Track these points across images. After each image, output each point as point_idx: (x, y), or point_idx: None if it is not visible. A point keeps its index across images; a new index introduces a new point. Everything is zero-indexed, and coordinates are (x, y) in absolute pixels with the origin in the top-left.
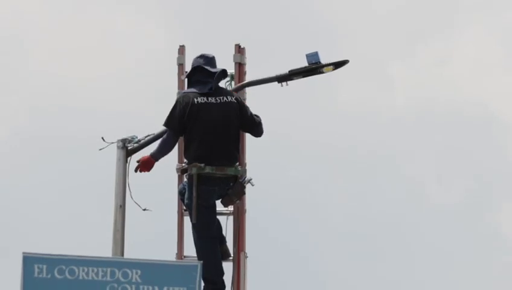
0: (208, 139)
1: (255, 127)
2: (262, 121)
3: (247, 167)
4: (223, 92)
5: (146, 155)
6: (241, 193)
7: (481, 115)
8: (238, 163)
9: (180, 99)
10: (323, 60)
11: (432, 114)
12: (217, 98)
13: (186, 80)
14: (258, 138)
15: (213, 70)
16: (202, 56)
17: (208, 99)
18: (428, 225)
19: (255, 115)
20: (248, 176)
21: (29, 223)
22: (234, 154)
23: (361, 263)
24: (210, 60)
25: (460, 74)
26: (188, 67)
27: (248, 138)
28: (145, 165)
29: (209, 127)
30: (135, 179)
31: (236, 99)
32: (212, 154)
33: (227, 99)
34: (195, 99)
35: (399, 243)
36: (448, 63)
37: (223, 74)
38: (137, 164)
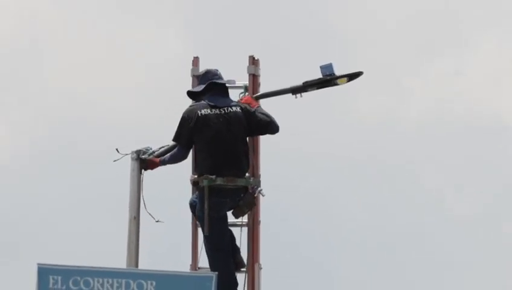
0: (214, 150)
1: (269, 127)
2: (274, 118)
3: (261, 178)
4: (229, 102)
5: (155, 159)
6: (252, 204)
7: (496, 126)
8: (248, 173)
9: (186, 114)
10: (338, 72)
11: (447, 125)
12: (221, 109)
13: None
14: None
15: (222, 81)
16: (210, 72)
17: (211, 110)
18: (446, 234)
19: (264, 114)
20: (259, 186)
21: (44, 235)
22: (243, 164)
23: (378, 273)
24: (219, 76)
25: (475, 85)
26: None
27: (263, 148)
28: (150, 165)
29: (214, 138)
30: (149, 190)
31: (240, 107)
32: (220, 165)
33: (232, 109)
34: (199, 112)
35: (418, 253)
36: (463, 74)
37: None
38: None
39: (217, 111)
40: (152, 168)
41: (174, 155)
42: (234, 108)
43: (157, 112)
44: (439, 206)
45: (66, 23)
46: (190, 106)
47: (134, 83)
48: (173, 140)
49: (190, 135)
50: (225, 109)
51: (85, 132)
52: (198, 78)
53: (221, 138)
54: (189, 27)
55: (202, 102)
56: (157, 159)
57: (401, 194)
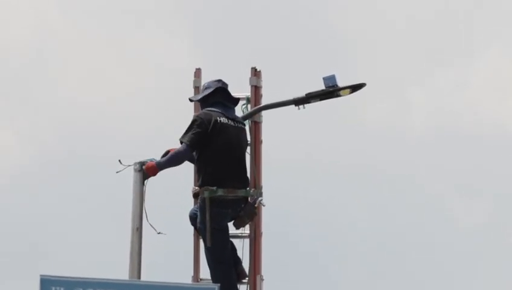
0: (227, 161)
1: None
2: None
3: (262, 189)
4: (238, 117)
5: (151, 162)
6: (253, 214)
7: (500, 136)
8: (250, 185)
9: (202, 115)
10: (342, 83)
11: (451, 135)
12: (235, 122)
13: (201, 97)
14: (274, 159)
15: (235, 96)
16: (220, 80)
17: (228, 121)
18: (450, 242)
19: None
20: (259, 197)
21: (47, 246)
22: (246, 176)
23: (382, 283)
24: (227, 86)
25: (479, 95)
26: None
27: (266, 158)
28: (150, 171)
29: (229, 148)
30: (152, 201)
31: (245, 125)
32: (225, 176)
33: (240, 125)
34: (219, 118)
35: (423, 262)
36: (468, 85)
37: (238, 101)
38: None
39: (232, 123)
40: (153, 174)
41: (177, 152)
42: (241, 124)
43: (160, 122)
44: (444, 214)
45: (75, 35)
46: (207, 110)
47: (137, 94)
48: (181, 138)
49: (204, 138)
50: (238, 123)
51: (91, 141)
52: (199, 89)
53: (232, 149)
54: (192, 39)
55: (216, 110)
56: (153, 163)
57: (405, 203)
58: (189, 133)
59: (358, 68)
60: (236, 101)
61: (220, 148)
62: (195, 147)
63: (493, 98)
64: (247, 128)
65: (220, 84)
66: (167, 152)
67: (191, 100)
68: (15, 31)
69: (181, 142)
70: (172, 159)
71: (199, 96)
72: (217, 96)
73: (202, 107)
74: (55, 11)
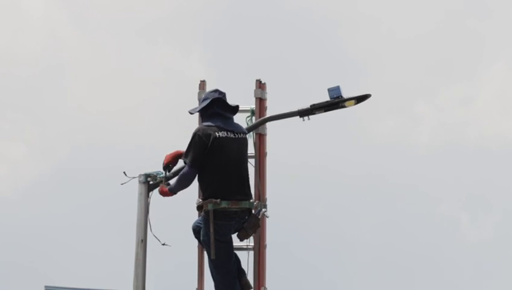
0: (229, 173)
1: None
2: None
3: (267, 201)
4: (238, 127)
5: (164, 188)
6: (256, 226)
7: (508, 150)
8: (254, 197)
9: (200, 132)
10: (345, 95)
11: (458, 149)
12: (235, 133)
13: (198, 110)
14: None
15: (232, 105)
16: (217, 90)
17: (228, 133)
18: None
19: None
20: (263, 208)
21: (51, 257)
22: (249, 188)
23: None
24: (224, 95)
25: (486, 110)
26: None
27: (273, 170)
28: (165, 195)
29: (230, 162)
30: (156, 212)
31: (246, 134)
32: (230, 189)
33: (242, 135)
34: (217, 133)
35: (432, 275)
36: (474, 99)
37: (237, 109)
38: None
39: (232, 135)
40: (169, 196)
41: (183, 177)
42: (243, 134)
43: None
44: (451, 229)
45: (88, 49)
46: (204, 125)
47: (143, 106)
48: (185, 159)
49: (204, 155)
50: (238, 134)
51: (93, 154)
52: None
53: (233, 163)
54: (197, 52)
55: (215, 123)
56: (166, 189)
57: (412, 216)
58: (191, 153)
59: (368, 83)
60: (234, 108)
61: (221, 162)
62: (198, 166)
63: (500, 112)
64: (250, 140)
65: (216, 95)
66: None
67: (190, 113)
68: (25, 42)
69: (184, 162)
70: (181, 183)
71: (197, 109)
72: (214, 108)
73: (202, 119)
74: (66, 23)
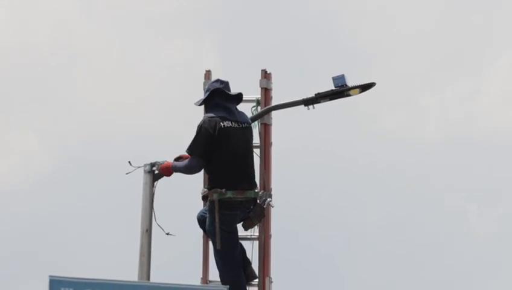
0: (235, 163)
1: None
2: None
3: (272, 191)
4: (242, 116)
5: (167, 163)
6: (261, 215)
7: None
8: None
9: (205, 124)
10: (350, 83)
11: (467, 142)
12: (239, 123)
13: (201, 101)
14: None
15: (233, 93)
16: (218, 80)
17: (232, 123)
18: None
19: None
20: (268, 198)
21: (55, 247)
22: (254, 178)
23: (396, 287)
24: (226, 85)
25: (493, 103)
26: None
27: (280, 159)
28: (164, 171)
29: (236, 152)
30: (161, 201)
31: (250, 124)
32: (236, 179)
33: (246, 125)
34: (222, 124)
35: (438, 268)
36: (481, 92)
37: (241, 97)
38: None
39: (237, 125)
40: (167, 174)
41: (189, 166)
42: (247, 124)
43: (171, 124)
44: (460, 220)
45: (101, 41)
46: (209, 117)
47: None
48: (189, 151)
49: (211, 145)
50: (242, 123)
51: (99, 144)
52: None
53: (239, 152)
54: (202, 41)
55: (218, 114)
56: (169, 163)
57: (420, 208)
58: (197, 144)
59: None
60: (237, 97)
61: (227, 152)
62: (205, 157)
63: (507, 105)
64: (256, 130)
65: (217, 85)
66: (179, 158)
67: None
68: (35, 32)
69: (189, 154)
70: (186, 169)
71: (199, 102)
72: (215, 98)
73: (205, 110)
74: (75, 14)
